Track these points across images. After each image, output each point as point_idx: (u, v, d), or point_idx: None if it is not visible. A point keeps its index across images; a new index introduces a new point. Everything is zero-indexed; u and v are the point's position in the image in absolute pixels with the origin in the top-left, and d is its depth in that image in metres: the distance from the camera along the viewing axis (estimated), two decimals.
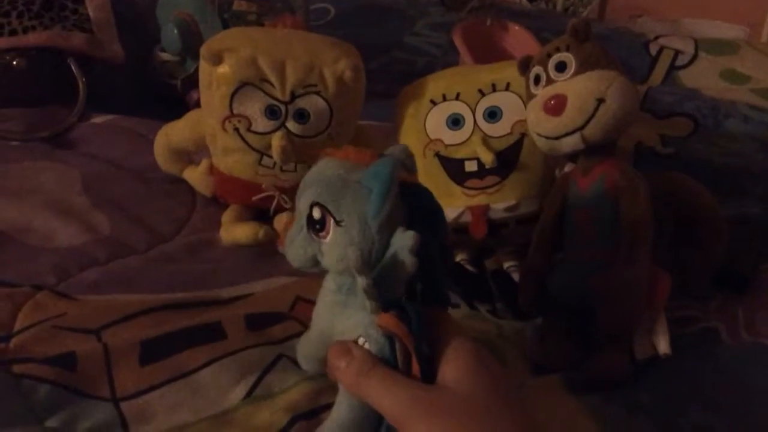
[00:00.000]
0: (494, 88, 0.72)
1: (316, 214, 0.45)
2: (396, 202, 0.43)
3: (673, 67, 1.09)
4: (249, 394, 0.53)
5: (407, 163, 0.47)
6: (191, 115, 0.75)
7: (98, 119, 0.89)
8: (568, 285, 0.63)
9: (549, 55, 0.65)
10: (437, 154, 0.73)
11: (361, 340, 0.44)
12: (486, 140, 0.71)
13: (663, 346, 0.59)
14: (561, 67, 0.64)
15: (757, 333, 0.65)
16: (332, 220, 0.44)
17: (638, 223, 0.60)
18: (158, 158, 0.78)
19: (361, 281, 0.42)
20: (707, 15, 1.27)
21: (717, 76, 1.07)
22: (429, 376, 0.42)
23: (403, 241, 0.42)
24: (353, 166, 0.45)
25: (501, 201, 0.71)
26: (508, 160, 0.71)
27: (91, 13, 0.92)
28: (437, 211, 0.47)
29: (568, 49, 0.64)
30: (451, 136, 0.72)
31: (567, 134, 0.63)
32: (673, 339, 0.59)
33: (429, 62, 1.13)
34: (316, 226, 0.45)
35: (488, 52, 0.99)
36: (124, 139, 0.85)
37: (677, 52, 1.11)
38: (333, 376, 0.43)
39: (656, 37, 1.15)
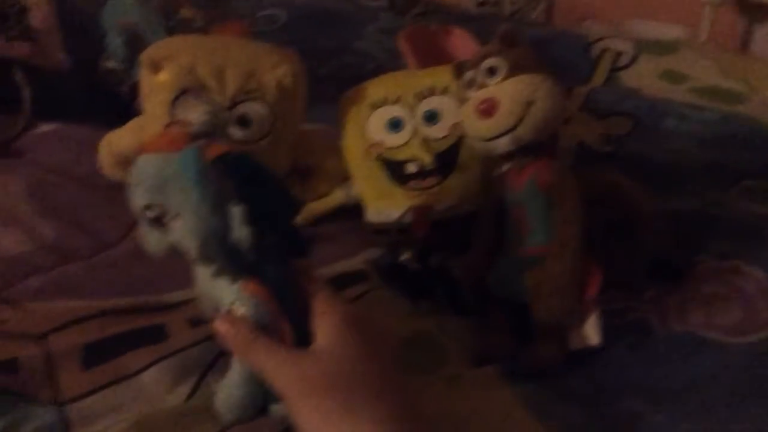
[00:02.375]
0: (432, 92, 0.74)
1: (152, 214, 0.47)
2: (217, 178, 0.45)
3: (614, 68, 1.12)
4: (192, 394, 0.55)
5: (217, 132, 0.50)
6: (134, 123, 0.76)
7: (45, 128, 0.89)
8: (505, 280, 0.65)
9: (481, 60, 0.67)
10: (379, 157, 0.74)
11: (236, 305, 0.47)
12: (425, 142, 0.73)
13: (594, 336, 0.61)
14: (492, 71, 0.66)
15: (687, 322, 0.67)
16: (169, 215, 0.46)
17: (568, 219, 0.63)
18: (103, 165, 0.78)
19: (209, 270, 0.46)
20: (650, 17, 1.31)
21: (656, 76, 1.10)
22: (302, 331, 0.46)
23: (234, 216, 0.45)
24: (168, 157, 0.46)
25: (442, 201, 0.73)
26: (447, 161, 0.73)
27: (35, 23, 0.92)
28: (261, 169, 0.49)
29: (498, 54, 0.66)
30: (391, 139, 0.74)
31: (500, 135, 0.65)
32: (605, 329, 0.62)
33: (378, 66, 1.15)
34: (158, 223, 0.47)
35: (433, 56, 1.01)
36: (70, 147, 0.85)
37: (618, 54, 1.14)
38: (222, 343, 0.47)
39: (598, 39, 1.18)
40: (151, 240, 0.49)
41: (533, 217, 0.65)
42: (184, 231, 0.46)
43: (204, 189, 0.44)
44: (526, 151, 0.66)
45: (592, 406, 0.58)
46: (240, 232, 0.45)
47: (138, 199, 0.47)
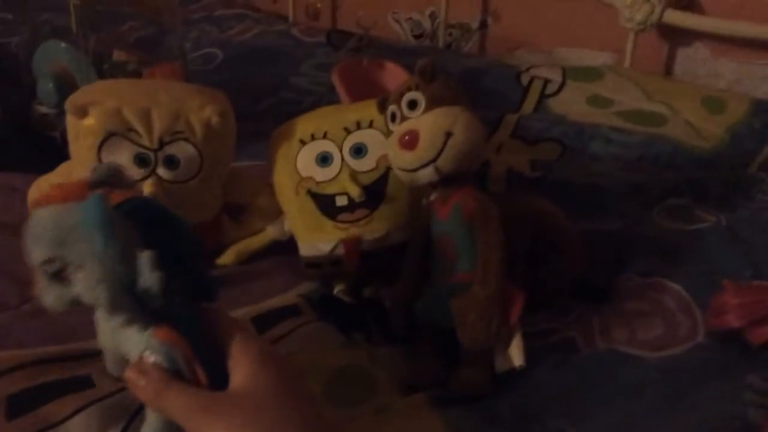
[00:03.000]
0: (359, 126, 0.76)
1: (52, 268, 0.45)
2: (121, 227, 0.45)
3: (543, 96, 1.16)
4: None
5: (115, 180, 0.49)
6: (63, 168, 0.76)
7: None
8: (432, 308, 0.67)
9: (401, 95, 0.69)
10: (309, 192, 0.76)
11: (146, 354, 0.46)
12: (354, 175, 0.75)
13: (517, 358, 0.63)
14: (412, 105, 0.68)
15: (611, 340, 0.70)
16: (71, 267, 0.45)
17: (491, 245, 0.65)
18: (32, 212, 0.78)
19: (118, 319, 0.45)
20: (578, 44, 1.36)
21: (583, 101, 1.14)
22: (217, 374, 0.45)
23: (143, 262, 0.44)
24: (67, 208, 0.46)
25: (371, 232, 0.75)
26: (375, 193, 0.75)
27: None
28: (164, 213, 0.49)
29: (417, 88, 0.68)
30: (321, 174, 0.76)
31: (422, 166, 0.67)
32: (530, 351, 0.63)
33: (315, 101, 1.17)
34: (58, 278, 0.46)
35: (367, 90, 1.03)
36: (0, 195, 0.85)
37: (547, 81, 1.18)
38: (133, 394, 0.45)
39: (528, 68, 1.22)
40: (52, 296, 0.47)
41: (458, 244, 0.67)
42: (88, 282, 0.45)
43: (109, 236, 0.44)
44: (448, 180, 0.68)
45: (518, 428, 0.59)
46: (149, 278, 0.44)
47: (36, 254, 0.46)
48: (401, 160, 0.69)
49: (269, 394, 0.44)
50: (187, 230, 0.50)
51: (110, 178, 0.48)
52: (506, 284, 0.64)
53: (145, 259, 0.44)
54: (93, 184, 0.47)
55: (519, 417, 0.60)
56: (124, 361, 0.50)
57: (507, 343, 0.64)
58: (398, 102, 0.69)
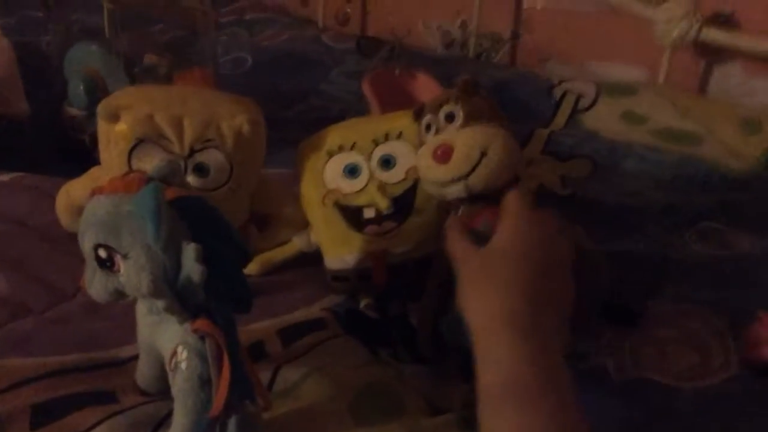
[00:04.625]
0: (387, 137, 0.75)
1: (102, 254, 0.48)
2: (171, 219, 0.46)
3: (575, 110, 1.14)
4: None
5: (173, 178, 0.51)
6: (92, 172, 0.76)
7: (2, 177, 0.88)
8: (457, 326, 0.65)
9: (440, 106, 0.68)
10: (336, 203, 0.75)
11: (179, 349, 0.48)
12: (382, 187, 0.74)
13: None
14: (449, 117, 0.67)
15: (643, 368, 0.68)
16: (119, 256, 0.47)
17: None
18: (60, 216, 0.78)
19: (160, 304, 0.46)
20: (611, 58, 1.34)
21: (617, 117, 1.12)
22: (239, 374, 0.47)
23: (188, 254, 0.46)
24: (122, 197, 0.47)
25: (399, 245, 0.74)
26: (404, 205, 0.74)
27: None
28: (214, 213, 0.50)
29: (457, 102, 0.67)
30: (348, 185, 0.75)
31: (453, 181, 0.66)
32: None
33: (344, 109, 1.16)
34: (107, 264, 0.48)
35: (398, 101, 1.02)
36: (28, 197, 0.85)
37: (580, 96, 1.16)
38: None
39: (560, 82, 1.20)
40: (97, 284, 0.49)
41: None
42: (134, 269, 0.47)
43: (159, 227, 0.45)
44: (476, 198, 0.67)
45: None
46: (192, 269, 0.46)
47: (89, 239, 0.48)
48: (432, 172, 0.67)
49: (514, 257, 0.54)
50: (236, 235, 0.51)
51: (169, 176, 0.50)
52: None
53: (189, 250, 0.46)
54: (151, 180, 0.49)
55: None
56: (157, 363, 0.52)
57: None
58: (435, 113, 0.68)
